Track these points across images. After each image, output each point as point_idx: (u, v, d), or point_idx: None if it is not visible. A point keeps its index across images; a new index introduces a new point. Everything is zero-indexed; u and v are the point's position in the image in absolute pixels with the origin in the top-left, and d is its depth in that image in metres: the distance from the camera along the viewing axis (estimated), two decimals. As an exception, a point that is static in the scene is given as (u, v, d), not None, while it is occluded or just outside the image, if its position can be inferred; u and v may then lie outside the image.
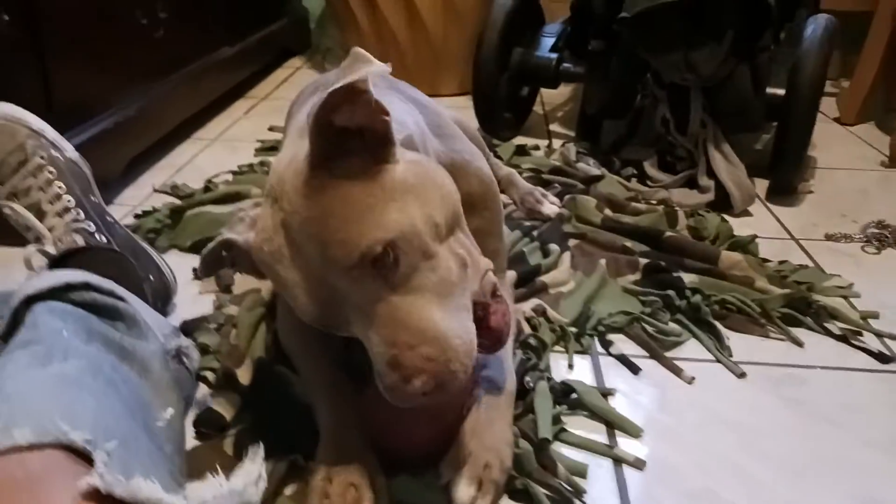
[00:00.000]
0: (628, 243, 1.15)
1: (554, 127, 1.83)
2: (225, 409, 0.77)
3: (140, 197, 1.36)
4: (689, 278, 1.05)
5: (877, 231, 1.27)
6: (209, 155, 1.60)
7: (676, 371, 0.89)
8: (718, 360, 0.91)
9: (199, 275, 0.67)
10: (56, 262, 0.81)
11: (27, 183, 0.85)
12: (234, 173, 1.45)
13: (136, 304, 0.73)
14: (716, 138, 1.38)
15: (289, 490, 0.70)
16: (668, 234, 1.17)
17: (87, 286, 0.68)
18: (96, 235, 0.85)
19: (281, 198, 0.60)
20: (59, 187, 0.86)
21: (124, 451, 0.48)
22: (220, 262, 0.69)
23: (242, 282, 1.03)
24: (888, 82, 1.88)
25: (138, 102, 1.43)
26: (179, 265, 1.06)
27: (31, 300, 0.66)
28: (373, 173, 0.59)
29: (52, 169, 0.87)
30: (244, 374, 0.83)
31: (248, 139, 1.69)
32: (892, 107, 1.93)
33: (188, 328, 0.91)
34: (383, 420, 0.71)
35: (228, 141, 1.70)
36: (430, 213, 0.60)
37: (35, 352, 0.56)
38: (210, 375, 0.83)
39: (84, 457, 0.43)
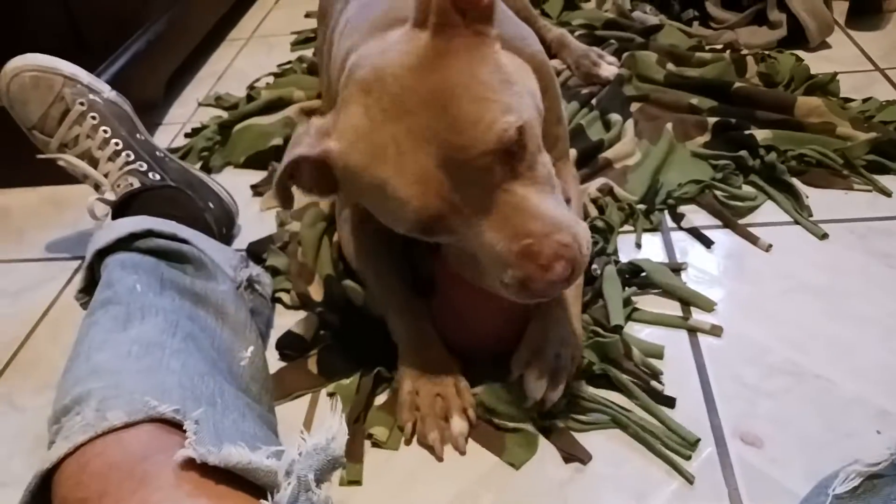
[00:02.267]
0: (695, 100, 1.08)
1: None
2: (303, 329, 0.79)
3: (186, 114, 1.35)
4: (762, 134, 0.98)
5: (976, 48, 1.14)
6: (247, 56, 1.56)
7: (752, 239, 0.85)
8: (797, 222, 0.87)
9: (282, 205, 0.64)
10: (117, 209, 0.82)
11: (74, 132, 0.85)
12: (274, 75, 1.41)
13: (201, 243, 0.74)
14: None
15: (379, 400, 0.72)
16: (738, 84, 1.08)
17: (150, 233, 0.69)
18: (150, 174, 0.85)
19: (383, 85, 0.57)
20: (105, 131, 0.86)
21: (213, 411, 0.50)
22: (290, 186, 0.65)
23: (301, 196, 1.03)
24: None
25: (167, 14, 1.38)
26: (237, 183, 1.06)
27: (101, 253, 0.68)
28: (483, 54, 0.58)
29: (93, 114, 0.86)
30: (315, 292, 0.84)
31: (283, 32, 1.63)
32: None
33: (255, 250, 0.92)
34: (457, 322, 0.72)
35: (264, 37, 1.64)
36: (537, 103, 0.60)
37: (115, 314, 0.58)
38: (284, 296, 0.85)
39: (176, 425, 0.46)
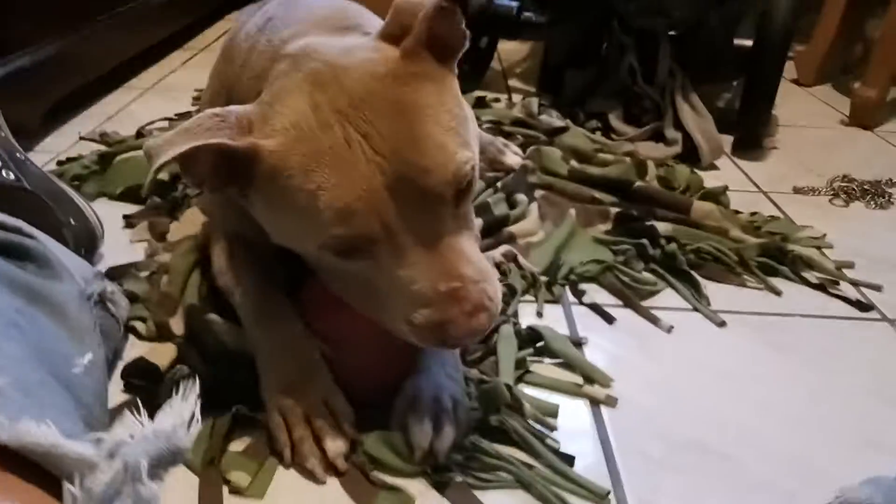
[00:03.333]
0: (597, 194, 1.09)
1: (513, 82, 1.76)
2: (157, 359, 0.67)
3: (64, 145, 1.24)
4: (662, 226, 1.00)
5: (843, 185, 1.25)
6: (143, 103, 1.47)
7: (654, 320, 0.83)
8: (697, 309, 0.86)
9: (147, 190, 0.56)
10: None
11: None
12: (169, 120, 1.33)
13: (48, 244, 0.62)
14: (684, 88, 1.33)
15: (236, 445, 0.61)
16: (638, 184, 1.11)
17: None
18: (2, 172, 0.74)
19: (341, 85, 0.52)
20: None
21: (22, 395, 0.39)
22: (204, 169, 0.55)
23: (178, 229, 0.93)
24: (845, 44, 1.86)
25: (60, 42, 1.29)
26: (109, 214, 0.96)
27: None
28: (449, 85, 0.57)
29: None
30: (177, 325, 0.73)
31: (185, 88, 1.56)
32: (849, 69, 1.92)
33: (115, 275, 0.80)
34: (346, 360, 0.64)
35: (165, 90, 1.57)
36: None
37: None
38: (140, 326, 0.74)
39: None
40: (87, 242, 0.83)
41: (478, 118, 1.36)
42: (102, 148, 1.19)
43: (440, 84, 0.55)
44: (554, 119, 1.39)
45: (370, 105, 0.51)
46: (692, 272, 0.92)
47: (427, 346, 0.56)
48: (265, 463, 0.59)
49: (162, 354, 0.68)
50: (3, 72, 1.12)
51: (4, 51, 1.15)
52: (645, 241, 0.95)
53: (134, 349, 0.71)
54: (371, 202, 0.51)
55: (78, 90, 1.37)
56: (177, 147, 0.51)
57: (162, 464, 0.32)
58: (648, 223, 1.00)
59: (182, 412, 0.34)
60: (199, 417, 0.34)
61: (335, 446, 0.59)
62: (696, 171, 1.23)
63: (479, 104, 1.48)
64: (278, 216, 0.56)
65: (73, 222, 0.80)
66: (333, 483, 0.58)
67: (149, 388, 0.65)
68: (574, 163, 1.20)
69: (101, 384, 0.54)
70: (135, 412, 0.33)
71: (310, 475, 0.58)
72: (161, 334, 0.72)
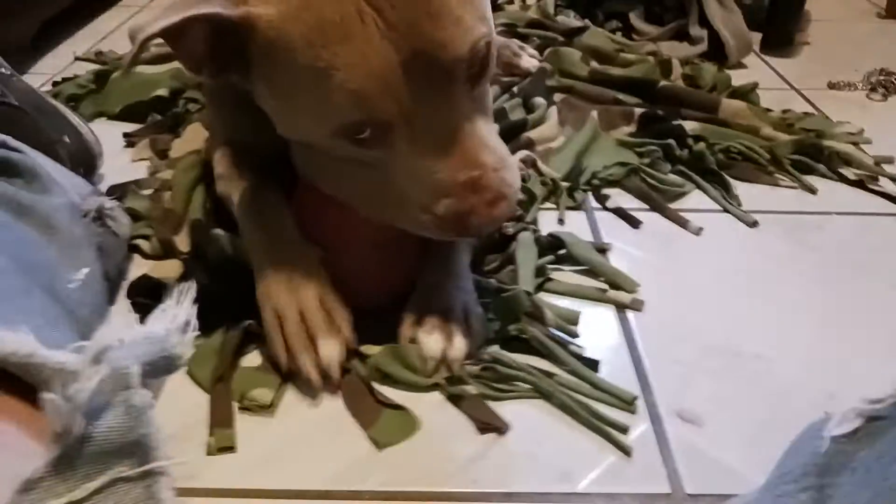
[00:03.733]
0: (619, 96, 1.03)
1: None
2: (162, 275, 0.65)
3: (59, 66, 1.18)
4: (689, 127, 0.94)
5: (882, 78, 1.17)
6: (139, 19, 1.41)
7: (682, 222, 0.79)
8: (727, 210, 0.81)
9: (131, 62, 0.49)
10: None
11: None
12: (167, 36, 1.26)
13: (38, 158, 0.59)
14: (710, -19, 1.24)
15: (248, 361, 0.59)
16: (663, 83, 1.05)
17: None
18: (-11, 93, 0.69)
19: None
20: None
21: (16, 314, 0.36)
22: (198, 49, 0.50)
23: (180, 146, 0.89)
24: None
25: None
26: (108, 133, 0.92)
27: None
28: None
29: None
30: (182, 241, 0.70)
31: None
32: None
33: (115, 193, 0.77)
34: (342, 263, 0.60)
35: (161, 6, 1.50)
36: None
37: None
38: (144, 244, 0.71)
39: None
40: (84, 161, 0.79)
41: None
42: (98, 67, 1.13)
43: None
44: (571, 19, 1.31)
45: None
46: (722, 172, 0.87)
47: (446, 237, 0.55)
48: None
49: (167, 271, 0.66)
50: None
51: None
52: (671, 141, 0.90)
53: (138, 268, 0.69)
54: (387, 82, 0.46)
55: (70, 8, 1.30)
56: (163, 21, 0.46)
57: (155, 371, 0.29)
58: (674, 123, 0.94)
59: (176, 316, 0.31)
60: (196, 323, 0.31)
61: (328, 347, 0.55)
62: (723, 69, 1.16)
63: (492, 6, 1.40)
64: (285, 103, 0.52)
65: (66, 139, 0.76)
66: (336, 402, 0.55)
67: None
68: (594, 64, 1.13)
69: (99, 298, 0.52)
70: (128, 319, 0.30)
71: (309, 392, 0.56)
72: (166, 251, 0.69)
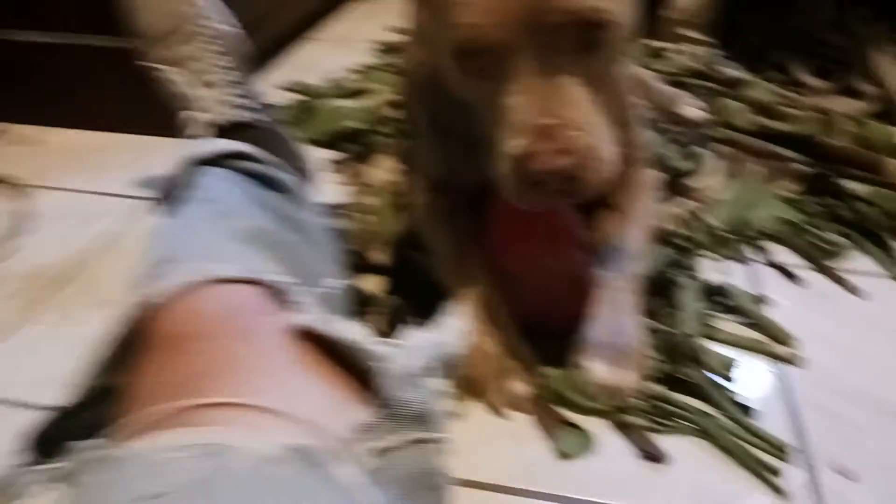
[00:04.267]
0: (782, 150, 1.06)
1: (688, 31, 1.70)
2: (370, 288, 0.77)
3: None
4: (852, 187, 0.96)
5: None
6: (327, 54, 1.58)
7: (842, 281, 0.82)
8: (893, 277, 0.83)
9: None
10: (220, 133, 0.80)
11: (197, 53, 0.84)
12: (356, 72, 1.42)
13: (292, 178, 0.72)
14: (879, 37, 1.24)
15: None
16: (827, 140, 1.07)
17: (250, 157, 0.67)
18: (253, 113, 0.84)
19: None
20: (228, 61, 0.85)
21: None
22: None
23: (377, 174, 1.02)
24: None
25: (263, 1, 1.41)
26: (313, 158, 1.06)
27: (197, 163, 0.67)
28: None
29: (221, 42, 0.85)
30: (381, 257, 0.83)
31: (364, 39, 1.65)
32: None
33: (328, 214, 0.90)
34: (515, 287, 0.70)
35: (345, 41, 1.67)
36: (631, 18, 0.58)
37: (215, 208, 0.56)
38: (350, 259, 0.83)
39: (278, 296, 0.43)
40: (304, 179, 0.93)
41: (652, 69, 1.35)
42: (299, 97, 1.30)
43: None
44: (733, 70, 1.35)
45: None
46: (884, 235, 0.88)
47: (517, 188, 0.57)
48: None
49: (372, 285, 0.78)
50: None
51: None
52: (833, 200, 0.93)
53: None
54: (502, 11, 0.53)
55: (266, 47, 1.49)
56: None
57: (440, 366, 0.39)
58: (839, 182, 0.97)
59: (454, 327, 0.41)
60: (467, 334, 0.41)
61: (518, 387, 0.65)
62: (891, 128, 1.15)
63: (654, 54, 1.46)
64: (434, 27, 0.61)
65: (295, 161, 0.90)
66: (520, 416, 0.64)
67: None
68: (758, 117, 1.17)
69: (345, 305, 0.63)
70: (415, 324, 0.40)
71: (492, 409, 0.65)
72: (370, 266, 0.82)
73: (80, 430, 0.37)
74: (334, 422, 0.34)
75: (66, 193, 1.02)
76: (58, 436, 0.38)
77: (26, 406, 0.67)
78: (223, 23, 0.89)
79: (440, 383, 0.38)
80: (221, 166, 0.65)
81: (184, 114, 0.84)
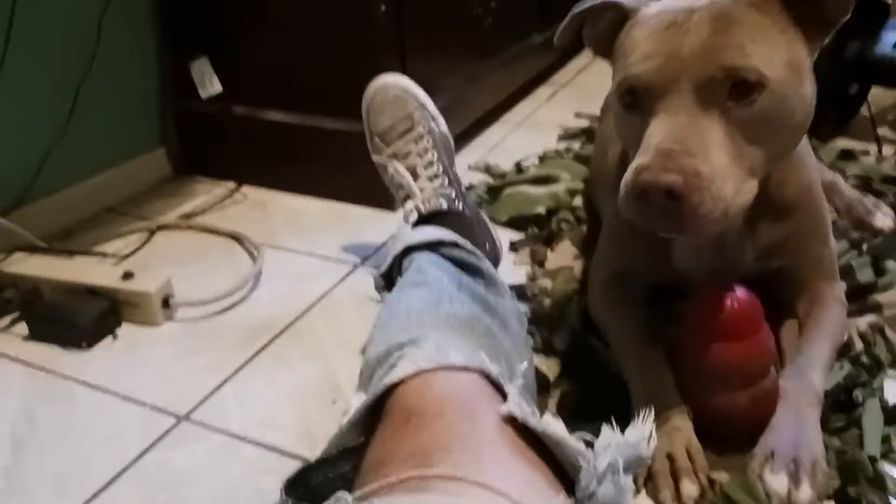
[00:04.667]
0: (983, 268, 1.01)
1: (883, 132, 1.64)
2: (546, 370, 0.84)
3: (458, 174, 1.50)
4: None
5: None
6: (516, 137, 1.70)
7: None
8: None
9: (555, 41, 0.78)
10: (423, 220, 0.93)
11: (409, 148, 0.99)
12: (539, 158, 1.52)
13: (490, 266, 0.82)
14: None
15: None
16: None
17: (455, 244, 0.78)
18: (456, 202, 0.96)
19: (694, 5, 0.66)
20: (433, 155, 0.99)
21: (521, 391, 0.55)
22: (576, 31, 0.76)
23: (554, 258, 1.10)
24: None
25: (462, 85, 1.56)
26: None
27: (409, 249, 0.78)
28: (784, 33, 0.65)
29: (429, 139, 1.00)
30: (558, 342, 0.89)
31: (550, 123, 1.76)
32: None
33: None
34: (698, 389, 0.73)
35: (533, 124, 1.79)
36: (795, 76, 0.65)
37: (427, 294, 0.67)
38: (528, 339, 0.91)
39: (496, 387, 0.51)
40: (493, 262, 1.03)
41: (842, 171, 1.33)
42: (488, 179, 1.42)
43: (776, 26, 0.64)
44: (933, 177, 1.29)
45: (708, 14, 0.64)
46: None
47: (625, 201, 0.63)
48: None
49: (548, 367, 0.85)
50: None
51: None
52: None
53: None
54: (670, 58, 0.63)
55: (468, 126, 1.63)
56: (587, 5, 0.73)
57: (630, 466, 0.45)
58: None
59: (644, 430, 0.47)
60: (655, 436, 0.47)
61: (690, 488, 0.67)
62: None
63: (845, 156, 1.43)
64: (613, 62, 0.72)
65: (487, 246, 1.01)
66: None
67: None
68: (955, 229, 1.12)
69: (532, 385, 0.71)
70: (609, 426, 0.47)
71: None
72: (546, 349, 0.89)
73: (328, 483, 0.47)
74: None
75: (289, 254, 1.20)
76: (309, 484, 0.48)
77: (248, 441, 0.79)
78: (434, 121, 1.03)
79: (629, 483, 0.44)
80: (430, 251, 0.76)
81: (399, 199, 0.97)
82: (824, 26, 0.67)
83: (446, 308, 0.64)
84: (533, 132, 1.73)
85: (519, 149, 1.59)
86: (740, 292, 0.74)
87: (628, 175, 0.62)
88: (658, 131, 0.62)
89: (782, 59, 0.64)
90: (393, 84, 1.02)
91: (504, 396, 0.49)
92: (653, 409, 0.71)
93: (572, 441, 0.45)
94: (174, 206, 1.36)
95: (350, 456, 0.49)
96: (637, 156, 0.63)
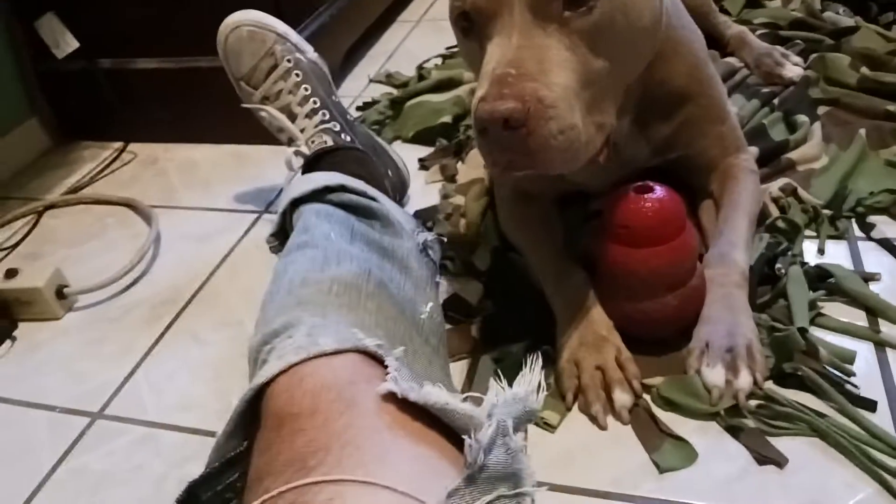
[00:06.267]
0: (892, 107, 1.00)
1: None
2: (469, 295, 0.81)
3: (358, 88, 1.41)
4: (974, 146, 0.90)
5: None
6: (416, 38, 1.60)
7: (959, 257, 0.78)
8: None
9: None
10: (310, 163, 0.87)
11: (278, 87, 0.90)
12: (443, 57, 1.44)
13: (386, 203, 0.77)
14: None
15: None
16: (946, 92, 0.99)
17: (342, 188, 0.72)
18: (342, 135, 0.89)
19: None
20: (306, 89, 0.91)
21: (408, 354, 0.52)
22: None
23: (465, 171, 1.05)
24: None
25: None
26: (405, 156, 1.10)
27: (296, 203, 0.73)
28: None
29: (298, 72, 0.91)
30: (478, 262, 0.86)
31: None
32: None
33: (422, 217, 0.95)
34: (618, 295, 0.71)
35: (432, 20, 1.69)
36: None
37: (312, 256, 0.62)
38: (448, 264, 0.87)
39: (376, 360, 0.47)
40: (400, 189, 0.98)
41: (750, 22, 1.29)
42: (392, 91, 1.34)
43: None
44: (841, 16, 1.26)
45: None
46: None
47: (477, 137, 0.58)
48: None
49: (471, 291, 0.82)
50: (313, 28, 1.30)
51: (312, 8, 1.33)
52: (951, 164, 0.87)
53: (445, 284, 0.85)
54: None
55: (362, 34, 1.53)
56: None
57: (521, 422, 0.42)
58: (957, 143, 0.90)
59: (532, 381, 0.44)
60: (545, 386, 0.44)
61: (622, 398, 0.66)
62: None
63: (751, 4, 1.38)
64: None
65: (390, 173, 0.95)
66: (624, 428, 0.66)
67: (461, 320, 0.79)
68: (865, 70, 1.09)
69: (440, 326, 0.68)
70: (497, 380, 0.44)
71: (593, 419, 0.66)
72: (467, 271, 0.86)
73: (219, 496, 0.44)
74: (433, 486, 0.38)
75: (187, 212, 1.12)
76: (200, 500, 0.44)
77: (167, 427, 0.75)
78: (299, 51, 0.94)
79: (522, 439, 0.41)
80: (317, 201, 0.70)
81: (285, 143, 0.90)
82: None
83: (332, 271, 0.59)
84: (433, 29, 1.63)
85: (421, 51, 1.50)
86: (659, 192, 0.69)
87: (472, 110, 0.57)
88: (493, 57, 0.57)
89: None
90: (244, 20, 0.92)
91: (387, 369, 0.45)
92: (576, 323, 0.71)
93: (458, 405, 0.42)
94: (60, 178, 1.26)
95: (236, 463, 0.45)
96: (478, 87, 0.57)
